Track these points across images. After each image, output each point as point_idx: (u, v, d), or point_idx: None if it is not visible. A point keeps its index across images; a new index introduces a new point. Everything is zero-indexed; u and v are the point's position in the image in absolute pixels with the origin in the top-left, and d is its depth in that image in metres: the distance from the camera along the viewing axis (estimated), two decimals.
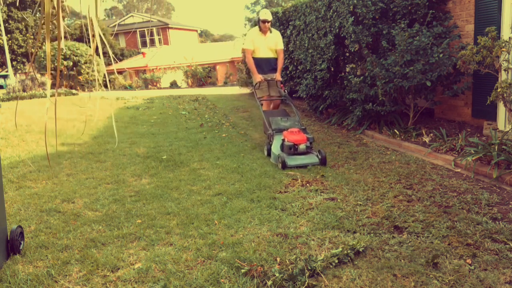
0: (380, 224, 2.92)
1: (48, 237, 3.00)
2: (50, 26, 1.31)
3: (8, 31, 26.12)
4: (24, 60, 28.39)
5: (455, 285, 2.14)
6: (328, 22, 6.67)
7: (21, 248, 2.77)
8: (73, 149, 6.01)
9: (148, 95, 15.69)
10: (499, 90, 4.00)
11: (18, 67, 27.81)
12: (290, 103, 5.81)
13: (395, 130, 5.53)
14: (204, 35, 55.47)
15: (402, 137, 5.34)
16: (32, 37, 27.63)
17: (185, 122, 8.29)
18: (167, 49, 31.53)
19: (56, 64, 17.37)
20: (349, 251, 2.49)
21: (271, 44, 5.99)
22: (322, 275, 2.28)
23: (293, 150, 4.61)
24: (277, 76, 5.95)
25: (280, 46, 6.04)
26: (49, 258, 2.67)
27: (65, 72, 18.36)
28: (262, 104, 5.89)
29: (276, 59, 6.08)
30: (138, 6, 56.98)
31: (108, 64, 27.45)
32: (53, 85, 16.87)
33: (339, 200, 3.44)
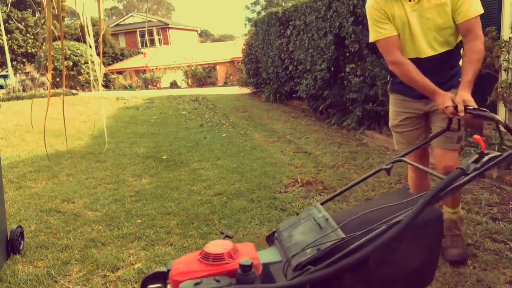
0: None
1: (48, 237, 3.00)
2: (52, 26, 1.32)
3: (8, 31, 26.12)
4: (24, 60, 28.39)
5: (455, 285, 2.14)
6: (328, 22, 6.67)
7: (21, 248, 2.77)
8: (73, 149, 6.01)
9: (148, 95, 15.71)
10: (499, 90, 4.00)
11: (18, 67, 27.81)
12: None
13: None
14: (204, 35, 55.47)
15: None
16: (32, 37, 27.63)
17: (185, 122, 8.30)
18: (167, 49, 31.53)
19: (56, 64, 17.38)
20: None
21: (437, 20, 2.08)
22: None
23: None
24: (464, 95, 2.00)
25: (473, 11, 2.03)
26: (49, 258, 2.67)
27: (65, 72, 18.36)
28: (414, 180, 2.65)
29: (444, 56, 2.18)
30: (138, 6, 56.98)
31: (108, 64, 27.45)
32: (53, 85, 16.89)
33: (339, 200, 3.44)
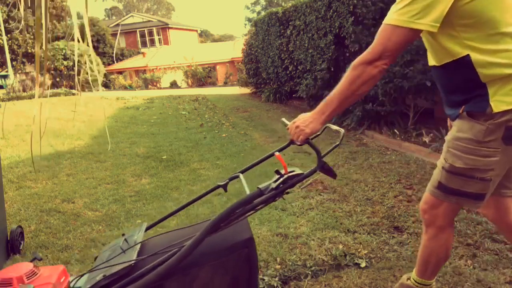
0: (380, 224, 2.92)
1: (48, 237, 3.00)
2: (50, 26, 1.32)
3: (8, 31, 26.11)
4: (24, 60, 28.36)
5: (455, 285, 2.14)
6: (328, 22, 6.67)
7: (21, 248, 2.77)
8: (73, 149, 6.01)
9: (148, 95, 15.70)
10: None
11: (18, 67, 27.78)
12: None
13: (395, 130, 5.53)
14: (204, 35, 55.44)
15: (402, 137, 5.33)
16: (32, 37, 27.63)
17: (185, 122, 8.30)
18: (167, 49, 31.52)
19: (56, 65, 17.30)
20: (349, 251, 2.49)
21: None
22: (322, 275, 2.28)
23: None
24: (301, 116, 1.69)
25: (387, 18, 1.49)
26: (49, 258, 2.67)
27: (65, 72, 18.35)
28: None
29: (437, 72, 1.62)
30: (138, 6, 56.98)
31: (108, 64, 27.44)
32: (53, 85, 16.89)
33: (339, 200, 3.44)
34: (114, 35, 31.28)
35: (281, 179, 1.43)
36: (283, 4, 31.64)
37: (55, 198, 3.88)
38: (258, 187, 1.43)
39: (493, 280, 2.15)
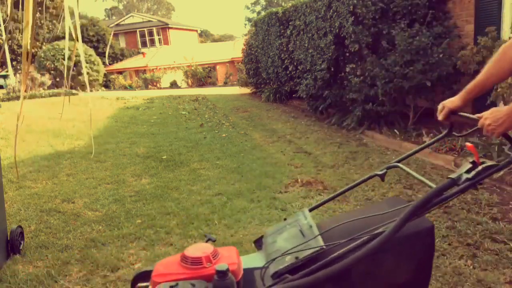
0: None
1: (48, 237, 3.00)
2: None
3: (8, 31, 26.05)
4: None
5: (455, 285, 2.14)
6: (328, 22, 6.66)
7: (21, 248, 2.77)
8: (73, 149, 6.01)
9: (148, 95, 15.69)
10: (499, 90, 4.00)
11: (18, 67, 27.77)
12: None
13: (395, 130, 5.53)
14: (204, 35, 55.39)
15: (402, 137, 5.33)
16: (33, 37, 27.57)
17: (185, 122, 8.29)
18: (167, 49, 31.51)
19: (56, 65, 17.25)
20: None
21: None
22: None
23: None
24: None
25: None
26: (49, 258, 2.67)
27: (66, 72, 18.31)
28: None
29: None
30: (138, 6, 56.95)
31: (108, 64, 27.43)
32: (53, 85, 16.90)
33: (339, 200, 3.43)
34: (114, 35, 31.27)
35: (477, 170, 1.35)
36: (283, 4, 31.62)
37: (55, 198, 3.88)
38: (449, 177, 1.38)
39: (493, 280, 2.15)
